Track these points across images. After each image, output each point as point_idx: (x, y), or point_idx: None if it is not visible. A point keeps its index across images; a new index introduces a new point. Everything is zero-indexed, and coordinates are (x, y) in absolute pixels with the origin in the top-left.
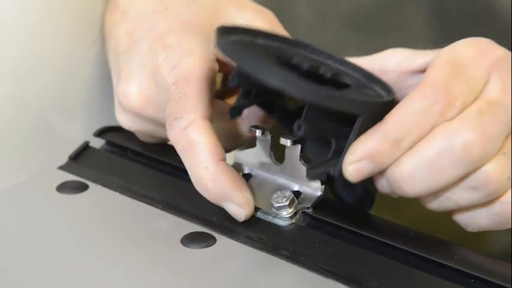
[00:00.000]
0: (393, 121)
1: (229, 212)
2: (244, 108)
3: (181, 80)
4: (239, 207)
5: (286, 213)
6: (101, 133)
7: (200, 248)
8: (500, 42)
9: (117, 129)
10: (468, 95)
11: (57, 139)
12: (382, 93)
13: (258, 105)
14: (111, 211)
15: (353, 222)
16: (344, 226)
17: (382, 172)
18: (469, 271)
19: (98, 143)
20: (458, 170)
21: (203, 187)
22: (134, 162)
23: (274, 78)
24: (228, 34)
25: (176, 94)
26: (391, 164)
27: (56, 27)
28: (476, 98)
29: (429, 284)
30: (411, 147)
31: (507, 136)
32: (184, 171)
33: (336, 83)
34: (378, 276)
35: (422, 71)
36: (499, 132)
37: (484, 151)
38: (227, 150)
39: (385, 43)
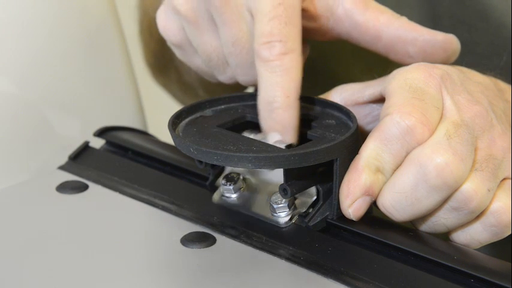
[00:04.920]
0: (371, 152)
1: (272, 142)
2: (218, 178)
3: (288, 5)
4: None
5: (285, 214)
6: (101, 133)
7: (200, 248)
8: (492, 45)
9: (117, 129)
10: (435, 115)
11: (57, 139)
12: (341, 116)
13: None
14: (111, 211)
15: (353, 223)
16: (344, 226)
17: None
18: (469, 271)
19: (98, 143)
20: (436, 197)
21: (272, 108)
22: (134, 162)
23: (244, 164)
24: (177, 121)
25: (284, 18)
26: (379, 193)
27: (57, 27)
28: (441, 117)
29: (429, 284)
30: (392, 173)
31: (474, 151)
32: (184, 171)
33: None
34: (378, 276)
35: (373, 100)
36: (467, 152)
37: (457, 174)
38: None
39: None
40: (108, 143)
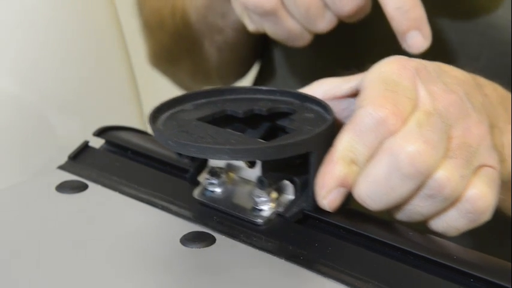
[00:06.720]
0: (345, 144)
1: (412, 42)
2: (199, 172)
3: None
4: (425, 38)
5: (268, 207)
6: (100, 133)
7: (200, 248)
8: (479, 46)
9: (117, 129)
10: (408, 105)
11: (57, 139)
12: (319, 109)
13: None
14: (111, 211)
15: (353, 222)
16: (344, 226)
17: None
18: (469, 271)
19: (97, 142)
20: (409, 185)
21: (404, 11)
22: (134, 162)
23: (221, 156)
24: (158, 115)
25: None
26: (354, 184)
27: (57, 28)
28: (414, 107)
29: (429, 284)
30: (366, 163)
31: (448, 139)
32: (184, 171)
33: (275, 116)
34: (378, 276)
35: (351, 95)
36: (439, 140)
37: (429, 161)
38: None
39: (381, 52)
40: (107, 142)
